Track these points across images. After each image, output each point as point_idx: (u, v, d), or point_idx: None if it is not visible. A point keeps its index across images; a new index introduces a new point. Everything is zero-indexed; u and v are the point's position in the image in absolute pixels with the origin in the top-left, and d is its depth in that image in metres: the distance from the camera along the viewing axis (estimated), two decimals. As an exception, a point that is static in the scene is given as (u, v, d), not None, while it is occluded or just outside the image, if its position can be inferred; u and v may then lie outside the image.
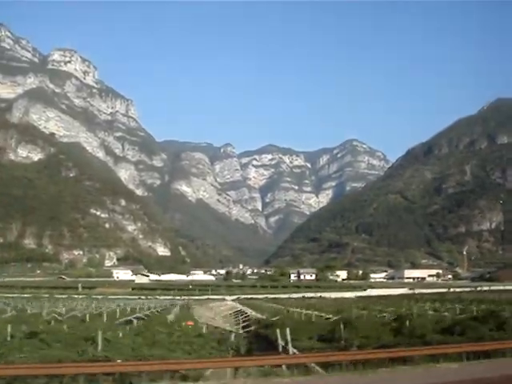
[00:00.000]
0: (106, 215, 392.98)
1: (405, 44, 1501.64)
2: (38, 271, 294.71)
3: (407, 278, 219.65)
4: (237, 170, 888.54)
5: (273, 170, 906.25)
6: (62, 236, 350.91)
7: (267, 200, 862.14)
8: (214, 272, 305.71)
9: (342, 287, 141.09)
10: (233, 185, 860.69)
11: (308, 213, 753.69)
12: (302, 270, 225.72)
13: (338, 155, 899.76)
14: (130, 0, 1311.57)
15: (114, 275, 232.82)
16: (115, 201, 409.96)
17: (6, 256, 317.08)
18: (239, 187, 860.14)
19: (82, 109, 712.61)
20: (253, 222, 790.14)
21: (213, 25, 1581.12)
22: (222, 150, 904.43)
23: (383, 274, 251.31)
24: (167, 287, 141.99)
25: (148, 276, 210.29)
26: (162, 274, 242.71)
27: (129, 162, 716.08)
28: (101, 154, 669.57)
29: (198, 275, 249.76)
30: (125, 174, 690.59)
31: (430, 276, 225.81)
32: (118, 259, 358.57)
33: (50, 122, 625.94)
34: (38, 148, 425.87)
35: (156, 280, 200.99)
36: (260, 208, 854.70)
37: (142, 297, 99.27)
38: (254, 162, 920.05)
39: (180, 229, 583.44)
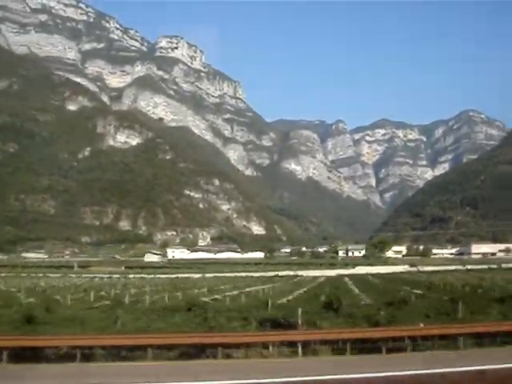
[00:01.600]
0: (200, 195, 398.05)
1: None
2: (131, 252, 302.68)
3: (475, 253, 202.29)
4: (349, 146, 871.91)
5: (386, 144, 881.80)
6: (156, 217, 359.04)
7: (381, 176, 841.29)
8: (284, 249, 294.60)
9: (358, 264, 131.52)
10: (345, 161, 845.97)
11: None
12: (350, 247, 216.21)
13: (454, 127, 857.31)
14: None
15: (169, 254, 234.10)
16: (209, 181, 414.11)
17: (101, 238, 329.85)
18: (352, 163, 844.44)
19: (190, 93, 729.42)
20: (365, 198, 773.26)
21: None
22: (333, 127, 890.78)
23: (453, 250, 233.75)
24: (165, 265, 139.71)
25: (159, 254, 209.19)
26: (218, 252, 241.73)
27: (237, 142, 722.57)
28: (208, 136, 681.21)
29: (252, 253, 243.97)
30: (233, 154, 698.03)
31: (500, 251, 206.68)
32: (211, 239, 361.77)
33: (158, 107, 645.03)
34: (136, 133, 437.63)
35: (170, 259, 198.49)
36: (374, 184, 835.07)
37: (116, 275, 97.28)
38: (367, 138, 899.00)
39: (288, 207, 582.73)
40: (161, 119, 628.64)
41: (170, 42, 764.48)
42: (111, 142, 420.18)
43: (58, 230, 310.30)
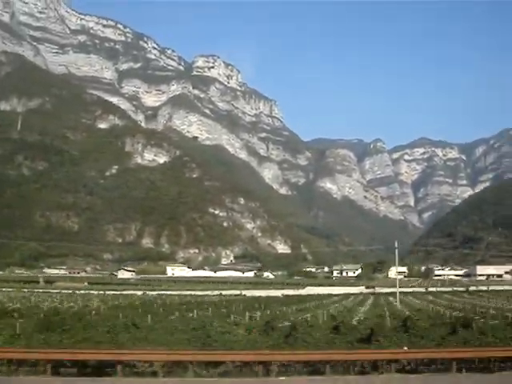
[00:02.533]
0: (225, 214, 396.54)
1: None
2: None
3: (480, 275, 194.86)
4: (387, 165, 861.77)
5: (425, 163, 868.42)
6: (179, 235, 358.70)
7: (420, 195, 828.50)
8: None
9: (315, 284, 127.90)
10: (383, 180, 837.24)
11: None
12: (344, 267, 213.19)
13: (495, 145, 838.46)
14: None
15: (169, 272, 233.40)
16: (234, 199, 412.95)
17: (123, 255, 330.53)
18: (390, 183, 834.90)
19: (226, 112, 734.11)
20: (402, 218, 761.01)
21: (354, 20, 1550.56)
22: (371, 146, 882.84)
23: (462, 272, 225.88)
24: (133, 282, 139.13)
25: (133, 271, 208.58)
26: (193, 269, 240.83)
27: (273, 161, 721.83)
28: (243, 155, 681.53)
29: (230, 272, 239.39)
30: (268, 173, 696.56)
31: (506, 273, 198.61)
32: (235, 257, 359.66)
33: (193, 126, 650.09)
34: (163, 151, 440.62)
35: (142, 276, 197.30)
36: (412, 204, 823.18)
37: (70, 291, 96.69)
38: (406, 157, 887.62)
39: (321, 226, 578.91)
40: (195, 138, 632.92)
41: (206, 62, 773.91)
42: (139, 160, 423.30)
43: (81, 246, 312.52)
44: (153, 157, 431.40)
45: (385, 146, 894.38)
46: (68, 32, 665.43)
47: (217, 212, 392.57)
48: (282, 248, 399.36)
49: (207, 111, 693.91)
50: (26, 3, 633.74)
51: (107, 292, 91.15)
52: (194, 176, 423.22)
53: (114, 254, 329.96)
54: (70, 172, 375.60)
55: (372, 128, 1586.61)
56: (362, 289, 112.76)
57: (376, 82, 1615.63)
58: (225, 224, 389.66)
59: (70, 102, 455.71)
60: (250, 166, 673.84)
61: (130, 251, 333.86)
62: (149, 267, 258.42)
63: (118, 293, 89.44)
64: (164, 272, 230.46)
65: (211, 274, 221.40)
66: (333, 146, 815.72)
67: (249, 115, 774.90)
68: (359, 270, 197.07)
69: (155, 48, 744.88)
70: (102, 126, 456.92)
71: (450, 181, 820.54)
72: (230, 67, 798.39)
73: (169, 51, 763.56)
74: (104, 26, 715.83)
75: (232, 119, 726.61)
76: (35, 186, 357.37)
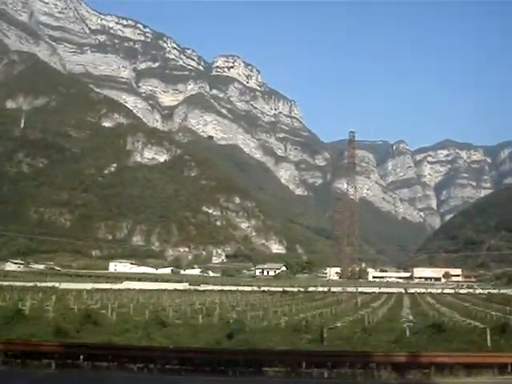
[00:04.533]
0: (219, 213, 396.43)
1: None
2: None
3: (416, 277, 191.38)
4: (410, 167, 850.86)
5: (449, 166, 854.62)
6: (170, 233, 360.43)
7: (442, 198, 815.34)
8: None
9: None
10: (405, 182, 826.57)
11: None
12: (265, 266, 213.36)
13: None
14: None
15: (111, 268, 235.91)
16: (229, 198, 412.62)
17: (112, 252, 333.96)
18: (412, 185, 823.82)
19: (244, 112, 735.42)
20: (421, 220, 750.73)
21: (377, 20, 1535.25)
22: (394, 147, 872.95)
23: (406, 274, 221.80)
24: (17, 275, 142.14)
25: (21, 264, 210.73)
26: (160, 268, 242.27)
27: (290, 162, 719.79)
28: (258, 155, 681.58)
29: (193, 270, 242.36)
30: (285, 174, 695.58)
31: (444, 277, 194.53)
32: (227, 256, 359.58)
33: (208, 125, 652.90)
34: (164, 149, 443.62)
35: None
36: (434, 206, 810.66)
37: None
38: (429, 159, 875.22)
39: (332, 227, 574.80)
40: (210, 137, 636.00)
41: (226, 61, 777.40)
42: (138, 159, 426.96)
43: (70, 242, 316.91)
44: (153, 155, 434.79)
45: (408, 147, 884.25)
46: (87, 32, 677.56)
47: (210, 211, 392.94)
48: (276, 248, 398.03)
49: (224, 111, 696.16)
50: (46, 3, 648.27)
51: None
52: (193, 175, 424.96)
53: (102, 251, 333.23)
54: (68, 169, 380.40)
55: (397, 130, 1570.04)
56: (185, 285, 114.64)
57: (402, 83, 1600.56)
58: (218, 223, 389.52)
59: (76, 100, 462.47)
60: (265, 166, 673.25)
61: (119, 248, 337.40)
62: (92, 263, 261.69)
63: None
64: (107, 268, 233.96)
65: (152, 270, 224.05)
66: (357, 147, 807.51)
67: (268, 115, 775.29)
68: (278, 271, 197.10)
69: (175, 48, 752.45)
70: (107, 124, 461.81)
71: (474, 183, 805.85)
72: (249, 67, 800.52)
73: (189, 51, 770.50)
74: (124, 25, 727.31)
75: (250, 119, 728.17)
76: (33, 182, 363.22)
